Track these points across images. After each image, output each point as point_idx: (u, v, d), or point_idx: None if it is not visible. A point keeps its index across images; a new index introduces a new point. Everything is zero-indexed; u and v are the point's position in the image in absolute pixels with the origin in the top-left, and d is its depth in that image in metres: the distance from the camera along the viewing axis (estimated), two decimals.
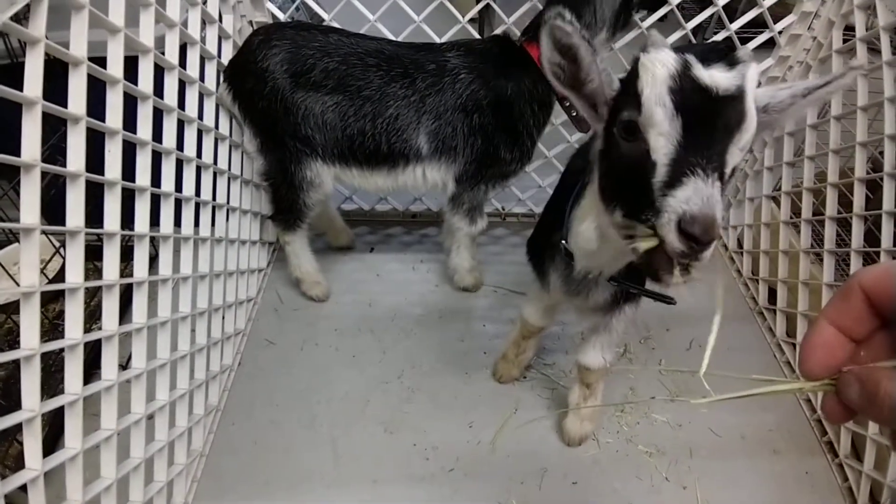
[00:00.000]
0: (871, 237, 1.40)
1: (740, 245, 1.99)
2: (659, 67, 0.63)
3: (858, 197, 1.40)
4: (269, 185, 1.60)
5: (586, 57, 0.69)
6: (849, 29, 1.49)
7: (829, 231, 1.49)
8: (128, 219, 1.07)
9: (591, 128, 0.78)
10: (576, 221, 0.91)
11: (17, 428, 0.83)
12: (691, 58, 0.64)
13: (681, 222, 0.60)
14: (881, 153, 1.33)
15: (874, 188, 1.43)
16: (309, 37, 1.39)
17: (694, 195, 0.60)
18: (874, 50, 1.39)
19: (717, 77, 0.62)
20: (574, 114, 1.63)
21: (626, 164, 0.68)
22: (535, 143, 1.56)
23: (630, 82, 0.67)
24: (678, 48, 0.67)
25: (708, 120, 0.63)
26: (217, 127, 1.45)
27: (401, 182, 1.55)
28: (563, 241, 0.97)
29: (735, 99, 0.63)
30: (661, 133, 0.63)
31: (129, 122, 1.04)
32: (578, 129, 1.57)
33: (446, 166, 1.52)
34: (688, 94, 0.62)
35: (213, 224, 1.47)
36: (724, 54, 0.68)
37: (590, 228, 0.83)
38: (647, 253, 0.66)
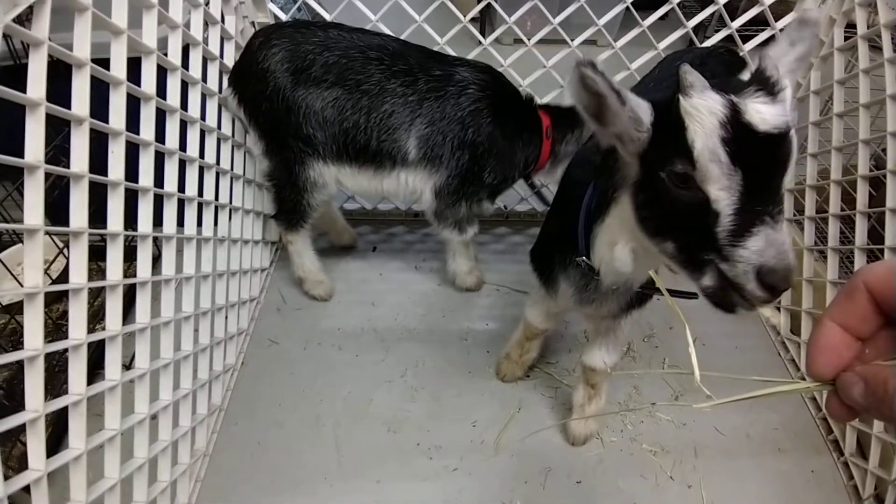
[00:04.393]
0: (875, 234, 1.40)
1: None
2: (707, 117, 0.60)
3: (861, 194, 1.39)
4: (272, 185, 1.60)
5: (612, 105, 0.65)
6: (850, 26, 1.49)
7: (833, 228, 1.49)
8: (131, 219, 1.07)
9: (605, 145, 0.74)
10: (601, 242, 0.88)
11: (21, 428, 0.83)
12: (737, 99, 0.60)
13: (759, 274, 0.60)
14: (884, 150, 1.32)
15: (877, 185, 1.43)
16: (308, 33, 1.39)
17: (768, 247, 0.59)
18: (875, 47, 1.39)
19: (767, 118, 0.59)
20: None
21: (681, 209, 0.65)
22: (517, 180, 1.63)
23: (672, 127, 0.63)
24: (680, 51, 0.65)
25: (765, 163, 0.61)
26: (219, 127, 1.45)
27: (385, 186, 1.54)
28: (585, 259, 0.93)
29: (787, 133, 0.61)
30: (722, 188, 0.61)
31: (132, 122, 1.05)
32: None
33: (428, 175, 1.52)
34: (742, 142, 0.59)
35: (215, 224, 1.48)
36: (726, 59, 0.67)
37: (624, 252, 0.81)
38: (716, 290, 0.65)
